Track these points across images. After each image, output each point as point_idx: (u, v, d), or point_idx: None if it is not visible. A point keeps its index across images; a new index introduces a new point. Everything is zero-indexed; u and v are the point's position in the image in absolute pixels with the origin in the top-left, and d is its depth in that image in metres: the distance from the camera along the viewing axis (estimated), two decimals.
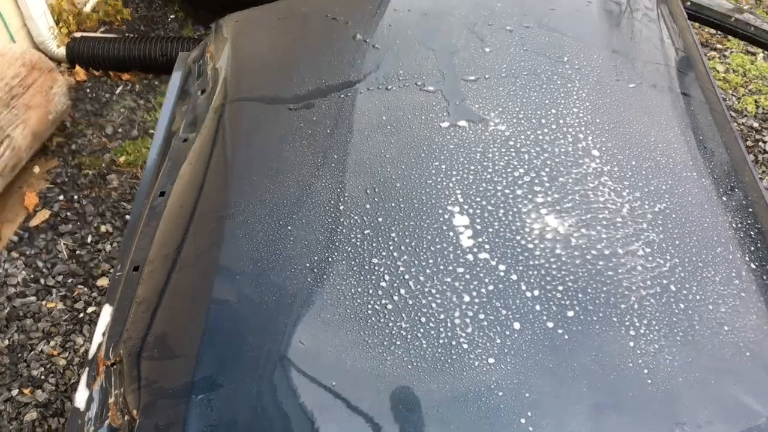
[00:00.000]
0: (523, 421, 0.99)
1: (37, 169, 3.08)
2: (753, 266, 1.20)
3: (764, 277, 1.18)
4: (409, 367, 1.06)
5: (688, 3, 2.27)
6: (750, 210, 1.31)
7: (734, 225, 1.26)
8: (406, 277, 1.16)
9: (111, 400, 1.16)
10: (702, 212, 1.27)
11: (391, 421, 1.02)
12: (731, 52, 3.93)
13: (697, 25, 2.89)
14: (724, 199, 1.32)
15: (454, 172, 1.30)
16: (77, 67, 3.51)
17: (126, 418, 1.10)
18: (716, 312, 1.11)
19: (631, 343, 1.07)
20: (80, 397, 1.20)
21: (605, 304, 1.11)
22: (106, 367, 1.21)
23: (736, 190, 1.37)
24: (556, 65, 1.54)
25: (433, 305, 1.12)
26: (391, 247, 1.19)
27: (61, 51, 3.46)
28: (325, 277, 1.17)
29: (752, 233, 1.26)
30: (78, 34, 3.57)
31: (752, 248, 1.23)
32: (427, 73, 1.52)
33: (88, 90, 3.45)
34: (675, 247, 1.20)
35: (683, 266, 1.17)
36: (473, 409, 1.01)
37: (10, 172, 2.85)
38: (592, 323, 1.09)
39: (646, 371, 1.04)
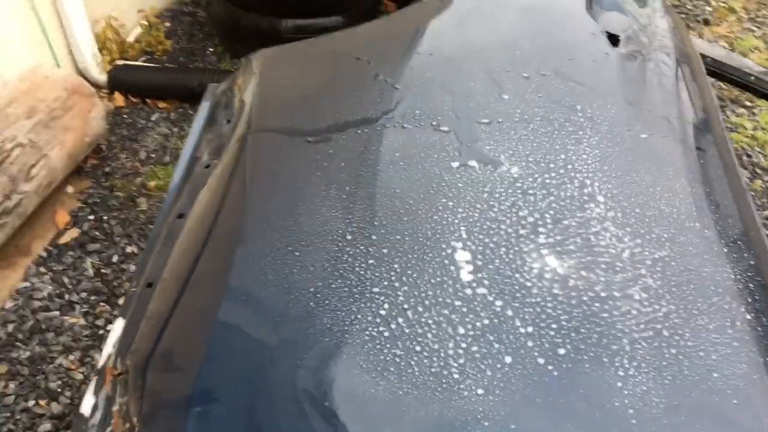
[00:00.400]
0: None
1: (70, 189, 3.19)
2: (748, 317, 1.21)
3: (758, 329, 1.19)
4: (400, 393, 1.09)
5: (709, 59, 2.31)
6: (751, 263, 1.33)
7: (733, 276, 1.28)
8: (405, 306, 1.19)
9: (115, 408, 1.21)
10: (701, 262, 1.30)
11: None
12: (761, 110, 3.94)
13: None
14: (725, 251, 1.34)
15: (460, 210, 1.35)
16: (116, 94, 3.64)
17: (127, 425, 1.15)
18: (707, 359, 1.13)
19: (619, 384, 1.09)
20: (86, 404, 1.25)
21: (597, 345, 1.14)
22: (113, 377, 1.26)
23: (740, 243, 1.39)
24: (569, 113, 1.58)
25: (429, 335, 1.16)
26: (393, 278, 1.23)
27: (103, 77, 3.60)
28: (327, 303, 1.21)
29: (751, 285, 1.28)
30: (120, 62, 3.71)
31: (749, 300, 1.25)
32: (442, 114, 1.58)
33: (125, 116, 3.58)
34: (671, 294, 1.22)
35: (678, 313, 1.19)
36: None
37: (44, 190, 2.95)
38: (582, 362, 1.12)
39: (631, 411, 1.06)
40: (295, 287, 1.25)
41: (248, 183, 1.50)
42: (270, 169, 1.52)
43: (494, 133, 1.53)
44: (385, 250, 1.28)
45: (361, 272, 1.26)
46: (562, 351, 1.13)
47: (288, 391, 1.13)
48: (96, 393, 1.27)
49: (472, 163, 1.45)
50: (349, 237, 1.32)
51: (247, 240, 1.34)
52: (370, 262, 1.27)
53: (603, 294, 1.21)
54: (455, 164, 1.45)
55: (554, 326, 1.17)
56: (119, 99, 3.64)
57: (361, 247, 1.29)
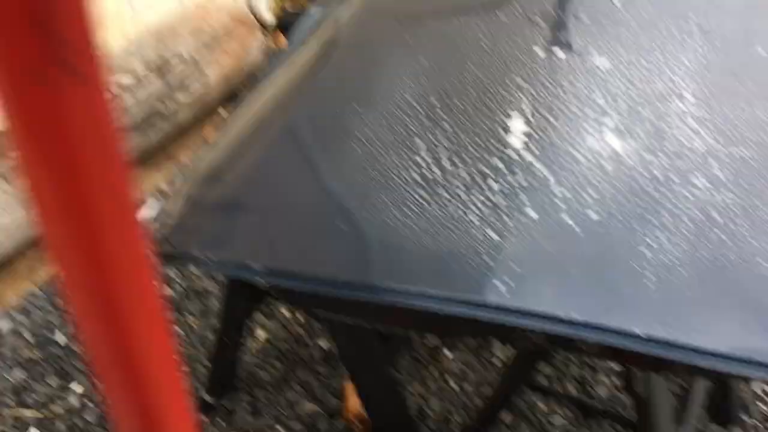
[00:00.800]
0: (498, 284, 0.97)
1: (223, 112, 3.41)
2: None
3: None
4: (416, 228, 1.07)
5: None
6: None
7: None
8: (442, 158, 1.17)
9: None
10: None
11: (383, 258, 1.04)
12: None
13: None
14: None
15: (531, 87, 1.30)
16: (280, 36, 3.84)
17: None
18: (755, 247, 1.01)
19: (648, 253, 1.00)
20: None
21: (635, 216, 1.05)
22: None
23: None
24: (677, 20, 1.47)
25: (459, 184, 1.13)
26: (438, 133, 1.21)
27: (270, 17, 3.81)
28: (369, 146, 1.21)
29: None
30: (289, 8, 3.91)
31: None
32: (543, 10, 1.53)
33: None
34: (738, 187, 1.10)
35: (739, 203, 1.08)
36: (460, 266, 1.00)
37: (198, 105, 3.19)
38: (613, 227, 1.04)
39: (653, 278, 0.97)
40: (347, 132, 1.26)
41: (335, 50, 1.53)
42: (358, 41, 1.54)
43: (591, 30, 1.45)
44: (440, 112, 1.26)
45: (412, 128, 1.25)
46: (594, 216, 1.06)
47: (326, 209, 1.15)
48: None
49: (558, 51, 1.39)
50: (412, 101, 1.31)
51: (317, 88, 1.37)
52: (423, 120, 1.25)
53: (659, 176, 1.12)
54: (539, 50, 1.40)
55: (594, 194, 1.09)
56: (281, 40, 3.84)
57: (419, 108, 1.28)
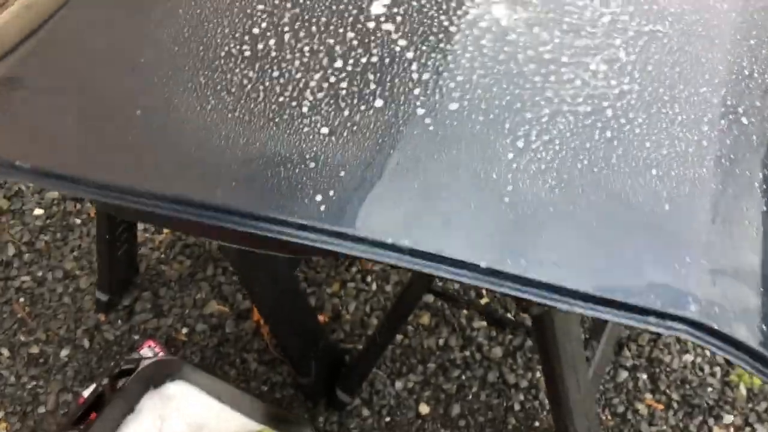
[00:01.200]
0: (319, 198, 0.76)
1: None
2: (732, 118, 0.85)
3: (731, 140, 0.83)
4: (230, 115, 0.85)
5: None
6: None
7: (743, 71, 0.91)
8: (284, 30, 0.94)
9: None
10: (708, 47, 0.93)
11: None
12: None
13: None
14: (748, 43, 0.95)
15: None
16: None
17: None
18: (652, 153, 0.79)
19: (510, 155, 0.79)
20: None
21: (506, 108, 0.84)
22: None
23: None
24: None
25: (296, 62, 0.90)
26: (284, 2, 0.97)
27: None
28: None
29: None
30: None
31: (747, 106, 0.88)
32: None
33: None
34: (643, 73, 0.88)
35: (640, 94, 0.85)
36: (279, 176, 0.79)
37: None
38: (474, 125, 0.82)
39: (509, 188, 0.76)
40: None
41: None
42: None
43: None
44: None
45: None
46: (453, 106, 0.84)
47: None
48: None
49: None
50: None
51: None
52: None
53: (545, 56, 0.89)
54: None
55: (459, 78, 0.87)
56: None
57: None
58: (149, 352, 1.78)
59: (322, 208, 0.75)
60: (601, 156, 0.79)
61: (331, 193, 0.76)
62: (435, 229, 0.73)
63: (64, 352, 1.85)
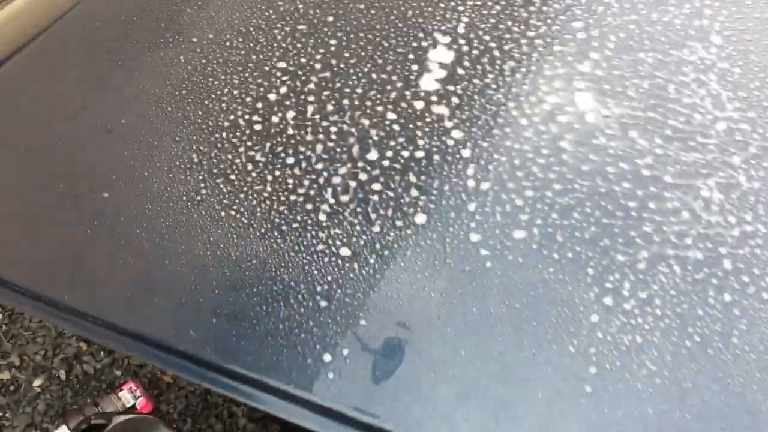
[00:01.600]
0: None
1: None
2: None
3: None
4: (230, 211, 0.65)
5: None
6: None
7: None
8: (308, 99, 0.73)
9: None
10: None
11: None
12: None
13: None
14: None
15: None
16: None
17: None
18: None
19: (594, 318, 0.58)
20: None
21: (590, 244, 0.63)
22: None
23: None
24: None
25: (318, 147, 0.69)
26: None
27: None
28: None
29: None
30: None
31: None
32: None
33: None
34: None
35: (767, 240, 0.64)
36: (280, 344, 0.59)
37: None
38: (547, 262, 0.61)
39: (593, 371, 0.55)
40: None
41: None
42: None
43: None
44: None
45: None
46: (519, 235, 0.63)
47: None
48: None
49: None
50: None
51: None
52: None
53: (644, 172, 0.68)
54: None
55: (529, 193, 0.66)
56: None
57: None
58: (128, 395, 1.60)
59: (330, 375, 0.54)
60: (718, 331, 0.58)
61: (345, 352, 0.56)
62: None
63: (38, 382, 1.67)
